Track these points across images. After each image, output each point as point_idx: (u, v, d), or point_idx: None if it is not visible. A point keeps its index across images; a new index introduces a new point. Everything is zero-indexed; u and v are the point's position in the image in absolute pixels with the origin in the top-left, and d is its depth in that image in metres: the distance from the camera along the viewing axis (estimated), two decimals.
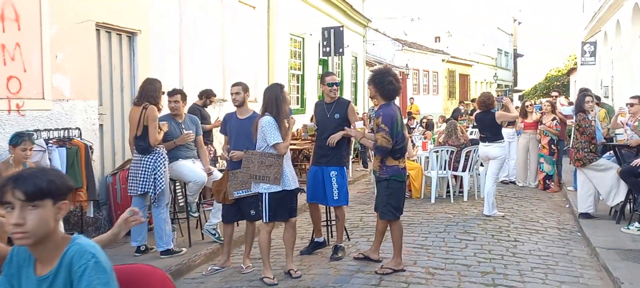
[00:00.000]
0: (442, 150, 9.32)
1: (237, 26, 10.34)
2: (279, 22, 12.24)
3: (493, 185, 8.06)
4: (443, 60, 32.94)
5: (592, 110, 8.13)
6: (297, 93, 14.07)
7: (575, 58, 33.63)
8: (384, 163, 5.31)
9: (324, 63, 14.28)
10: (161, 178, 5.57)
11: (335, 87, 6.00)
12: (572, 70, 30.25)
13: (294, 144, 10.94)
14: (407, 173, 9.59)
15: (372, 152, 6.05)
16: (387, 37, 28.07)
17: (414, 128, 16.16)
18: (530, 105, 11.16)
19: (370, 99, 5.84)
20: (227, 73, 9.71)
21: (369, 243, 6.31)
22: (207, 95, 8.30)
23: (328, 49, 11.83)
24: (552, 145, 10.16)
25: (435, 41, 39.83)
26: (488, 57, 41.57)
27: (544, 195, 9.82)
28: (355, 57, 19.15)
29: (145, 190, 5.58)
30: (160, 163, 5.59)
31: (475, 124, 10.51)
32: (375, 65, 19.12)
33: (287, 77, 13.00)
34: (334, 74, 6.31)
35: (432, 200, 9.12)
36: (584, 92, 8.42)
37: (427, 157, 9.86)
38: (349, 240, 6.63)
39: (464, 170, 9.36)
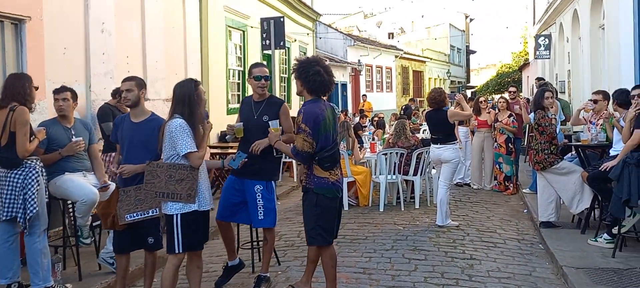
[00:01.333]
0: (391, 153, 8.41)
1: (162, 14, 9.12)
2: (214, 10, 11.07)
3: (446, 192, 7.20)
4: (396, 57, 32.33)
5: (552, 107, 7.40)
6: (238, 90, 12.94)
7: (525, 54, 33.70)
8: (312, 172, 4.29)
9: (268, 58, 13.19)
10: (32, 199, 4.39)
11: (263, 81, 4.93)
12: (524, 66, 30.12)
13: (230, 148, 9.88)
14: (353, 179, 8.76)
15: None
16: (339, 33, 27.19)
17: (366, 127, 15.29)
18: (484, 101, 10.45)
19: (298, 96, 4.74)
20: (148, 69, 8.51)
21: (304, 268, 5.30)
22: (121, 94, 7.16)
23: (268, 41, 10.83)
24: (510, 144, 9.49)
25: (389, 37, 39.41)
26: (441, 53, 41.38)
27: (500, 199, 9.13)
28: (304, 53, 18.14)
29: (13, 214, 4.39)
30: (32, 180, 4.42)
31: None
32: (326, 61, 18.19)
33: (225, 74, 11.87)
34: (264, 66, 5.16)
35: (381, 209, 8.23)
36: (543, 87, 7.72)
37: (376, 160, 8.96)
38: (279, 264, 5.60)
39: (415, 174, 8.49)
